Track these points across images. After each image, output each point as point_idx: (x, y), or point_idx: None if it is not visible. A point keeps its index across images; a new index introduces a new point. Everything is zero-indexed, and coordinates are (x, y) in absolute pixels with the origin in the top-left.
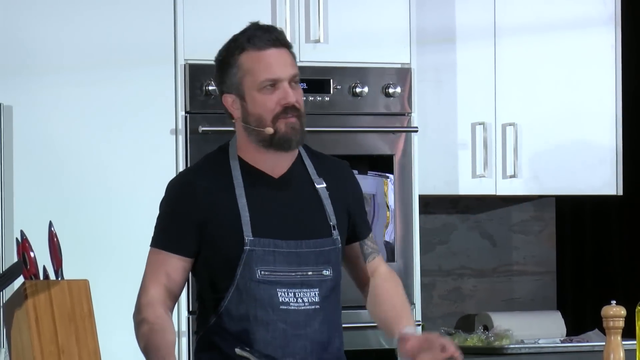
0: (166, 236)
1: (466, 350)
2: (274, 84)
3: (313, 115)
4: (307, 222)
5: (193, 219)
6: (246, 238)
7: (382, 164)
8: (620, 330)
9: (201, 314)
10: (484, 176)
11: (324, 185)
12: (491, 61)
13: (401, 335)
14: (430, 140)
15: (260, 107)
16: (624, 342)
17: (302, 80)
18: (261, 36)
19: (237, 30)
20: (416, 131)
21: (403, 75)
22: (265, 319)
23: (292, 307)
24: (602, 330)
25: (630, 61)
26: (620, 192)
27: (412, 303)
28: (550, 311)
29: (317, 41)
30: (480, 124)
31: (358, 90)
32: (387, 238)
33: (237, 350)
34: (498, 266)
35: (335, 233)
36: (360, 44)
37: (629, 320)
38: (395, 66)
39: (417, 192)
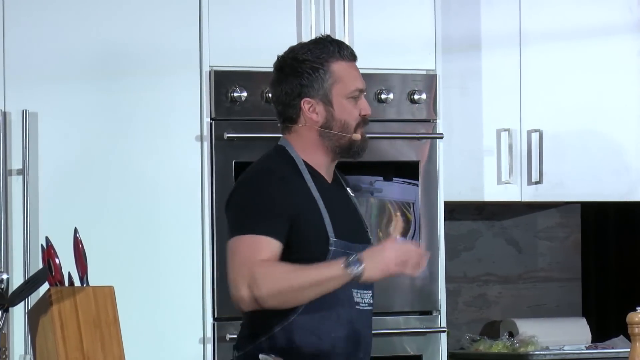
0: (264, 221)
1: (491, 357)
2: (359, 94)
3: None
4: (360, 227)
5: (288, 211)
6: (331, 238)
7: (407, 171)
8: None
9: (264, 316)
10: (509, 182)
11: (353, 193)
12: (516, 67)
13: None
14: (455, 147)
15: (348, 115)
16: None
17: None
18: (346, 48)
19: (263, 36)
20: (441, 137)
21: (428, 81)
22: (346, 318)
23: (362, 307)
24: (627, 337)
25: None
26: None
27: (437, 309)
28: (575, 317)
29: None
30: (505, 130)
31: (383, 96)
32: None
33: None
34: (523, 272)
35: (372, 238)
36: (386, 50)
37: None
38: (420, 72)
39: (442, 198)
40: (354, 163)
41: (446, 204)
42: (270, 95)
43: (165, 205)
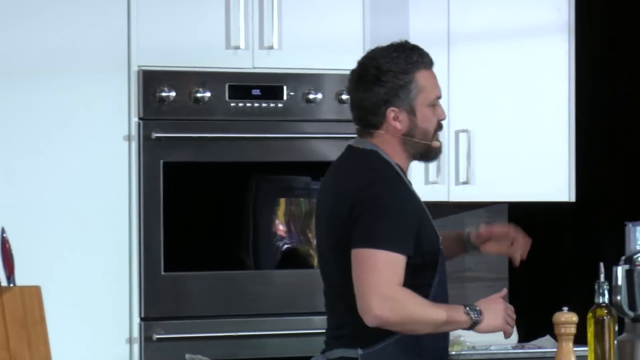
0: (399, 238)
1: None
2: (437, 101)
3: (266, 122)
4: None
5: (415, 222)
6: (440, 237)
7: None
8: (572, 337)
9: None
10: (437, 182)
11: None
12: (445, 68)
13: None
14: None
15: (428, 122)
16: (575, 349)
17: (255, 87)
18: (425, 55)
19: (191, 36)
20: None
21: None
22: None
23: None
24: (554, 337)
25: (584, 69)
26: (573, 199)
27: None
28: None
29: (271, 47)
30: None
31: (312, 96)
32: None
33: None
34: (451, 272)
35: None
36: (314, 51)
37: (581, 327)
38: (348, 72)
39: None
40: (282, 162)
41: None
42: (349, 99)
43: (93, 205)
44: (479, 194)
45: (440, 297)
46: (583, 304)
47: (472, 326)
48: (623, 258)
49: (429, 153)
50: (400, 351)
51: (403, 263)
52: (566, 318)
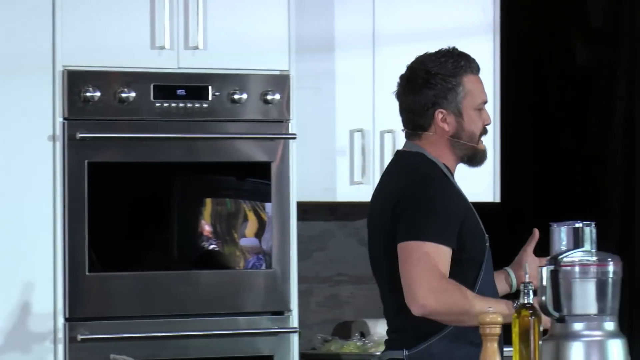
0: (443, 230)
1: (343, 358)
2: (483, 105)
3: (191, 122)
4: None
5: (460, 216)
6: (486, 235)
7: (260, 171)
8: (497, 337)
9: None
10: (362, 183)
11: None
12: (370, 69)
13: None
14: (308, 147)
15: (475, 125)
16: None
17: (180, 87)
18: (472, 61)
19: (116, 36)
20: (294, 138)
21: (282, 82)
22: None
23: None
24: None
25: (509, 69)
26: (498, 199)
27: (289, 310)
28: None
29: (196, 48)
30: (358, 131)
31: (237, 97)
32: (264, 245)
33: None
34: None
35: None
36: (240, 51)
37: (506, 327)
38: (274, 73)
39: (294, 198)
40: (208, 163)
41: (299, 204)
42: (398, 103)
43: (16, 205)
44: None
45: (486, 293)
46: None
47: None
48: (548, 258)
49: (475, 156)
50: (443, 346)
51: (448, 255)
52: (491, 319)
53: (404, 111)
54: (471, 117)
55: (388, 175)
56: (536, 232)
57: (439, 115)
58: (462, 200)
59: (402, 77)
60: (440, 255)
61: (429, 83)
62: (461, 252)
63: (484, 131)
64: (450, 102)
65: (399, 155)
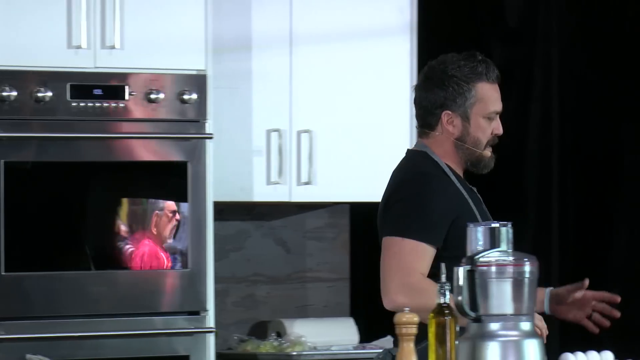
0: (425, 228)
1: (259, 358)
2: (495, 116)
3: (108, 122)
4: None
5: (448, 215)
6: None
7: (177, 171)
8: (413, 337)
9: None
10: (278, 183)
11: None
12: (287, 68)
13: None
14: (225, 147)
15: (482, 133)
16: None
17: (97, 87)
18: (492, 70)
19: (33, 35)
20: (211, 138)
21: (198, 82)
22: None
23: None
24: (395, 337)
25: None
26: None
27: (205, 310)
28: (343, 318)
29: (113, 47)
30: (275, 130)
31: (153, 96)
32: (180, 245)
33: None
34: (292, 273)
35: None
36: (156, 51)
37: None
38: (190, 73)
39: (211, 198)
40: (124, 162)
41: (215, 204)
42: (414, 96)
43: None
44: (321, 195)
45: None
46: None
47: None
48: (464, 258)
49: (479, 162)
50: None
51: (430, 253)
52: (407, 318)
53: (417, 106)
54: (479, 124)
55: (392, 172)
56: (586, 281)
57: (445, 116)
58: (459, 200)
59: (421, 73)
60: (419, 252)
61: (443, 84)
62: (447, 250)
63: (493, 140)
64: (459, 105)
65: (406, 153)
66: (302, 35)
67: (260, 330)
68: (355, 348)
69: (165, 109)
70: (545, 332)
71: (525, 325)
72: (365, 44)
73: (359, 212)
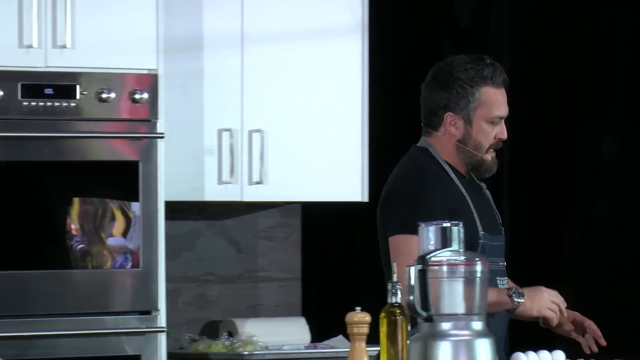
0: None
1: (211, 357)
2: (499, 120)
3: (59, 121)
4: (495, 219)
5: (445, 208)
6: (480, 232)
7: (128, 170)
8: (365, 337)
9: None
10: (230, 182)
11: (485, 187)
12: (238, 68)
13: None
14: (176, 147)
15: (484, 136)
16: (368, 349)
17: (48, 86)
18: (499, 75)
19: None
20: (162, 137)
21: (150, 81)
22: None
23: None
24: (347, 337)
25: (377, 69)
26: (366, 199)
27: (156, 309)
28: (295, 317)
29: (64, 46)
30: (226, 130)
31: (105, 95)
32: (131, 245)
33: None
34: (243, 272)
35: (503, 229)
36: (108, 50)
37: (374, 327)
38: (142, 72)
39: (162, 198)
40: (76, 162)
41: (167, 203)
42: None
43: None
44: (272, 194)
45: None
46: (376, 304)
47: (515, 308)
48: (416, 258)
49: (480, 166)
50: None
51: None
52: (359, 318)
53: (422, 105)
54: (481, 128)
55: (394, 169)
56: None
57: (448, 118)
58: (455, 197)
59: (429, 72)
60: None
61: (447, 86)
62: None
63: (497, 145)
64: (462, 108)
65: (410, 149)
66: (253, 35)
67: (211, 330)
68: (306, 347)
69: (117, 109)
70: (563, 305)
71: (477, 325)
72: (316, 43)
73: (310, 211)
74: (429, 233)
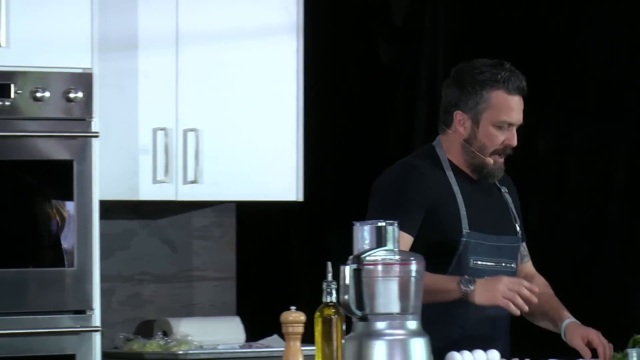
0: (402, 217)
1: (145, 357)
2: (507, 126)
3: None
4: (502, 220)
5: (424, 203)
6: (464, 230)
7: (62, 169)
8: (300, 336)
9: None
10: (165, 181)
11: (507, 190)
12: (173, 67)
13: (569, 323)
14: (111, 146)
15: (489, 140)
16: (303, 348)
17: None
18: (514, 81)
19: None
20: (97, 136)
21: (84, 80)
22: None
23: None
24: (282, 336)
25: (312, 68)
26: (301, 198)
27: (91, 309)
28: (229, 317)
29: None
30: (161, 129)
31: (39, 94)
32: (65, 244)
33: None
34: (178, 272)
35: (519, 232)
36: (42, 49)
37: (309, 326)
38: (76, 71)
39: (97, 197)
40: (10, 161)
41: (101, 202)
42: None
43: None
44: (207, 193)
45: None
46: (311, 303)
47: (465, 296)
48: (351, 257)
49: (482, 169)
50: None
51: (408, 241)
52: (293, 317)
53: (440, 101)
54: (487, 131)
55: None
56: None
57: (457, 116)
58: (439, 191)
59: (451, 70)
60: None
61: (462, 84)
62: (434, 238)
63: (503, 151)
64: (471, 108)
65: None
66: (188, 34)
67: (146, 329)
68: (241, 347)
69: (51, 108)
70: (526, 292)
71: (412, 324)
72: (251, 43)
73: (245, 210)
74: (364, 232)
